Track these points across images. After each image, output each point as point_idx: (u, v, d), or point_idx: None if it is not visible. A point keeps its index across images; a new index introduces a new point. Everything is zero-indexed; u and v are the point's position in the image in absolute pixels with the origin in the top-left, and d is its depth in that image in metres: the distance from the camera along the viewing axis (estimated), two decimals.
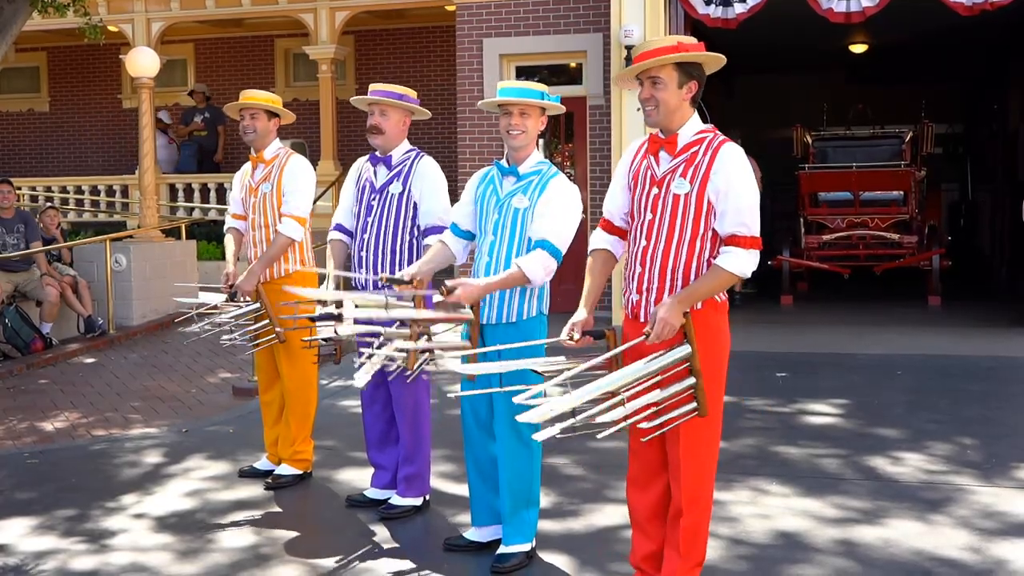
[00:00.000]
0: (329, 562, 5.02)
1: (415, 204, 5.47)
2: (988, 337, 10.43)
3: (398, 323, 4.55)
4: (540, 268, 4.64)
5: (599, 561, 4.89)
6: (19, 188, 12.64)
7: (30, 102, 19.59)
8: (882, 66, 16.96)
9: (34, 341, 10.41)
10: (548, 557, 4.95)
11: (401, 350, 4.43)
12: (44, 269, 10.91)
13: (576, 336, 4.10)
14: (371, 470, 5.94)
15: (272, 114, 6.26)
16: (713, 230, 3.93)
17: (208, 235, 15.03)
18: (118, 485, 6.40)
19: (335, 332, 4.92)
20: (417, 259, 5.46)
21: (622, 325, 4.24)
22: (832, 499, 5.67)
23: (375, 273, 5.50)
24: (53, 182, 17.17)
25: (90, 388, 9.26)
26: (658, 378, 3.85)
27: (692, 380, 3.88)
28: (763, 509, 5.57)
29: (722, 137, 3.99)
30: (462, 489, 5.55)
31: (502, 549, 4.85)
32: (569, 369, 3.97)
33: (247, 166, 6.40)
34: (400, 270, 5.41)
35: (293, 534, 5.45)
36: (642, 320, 4.06)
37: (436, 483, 5.82)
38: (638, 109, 4.04)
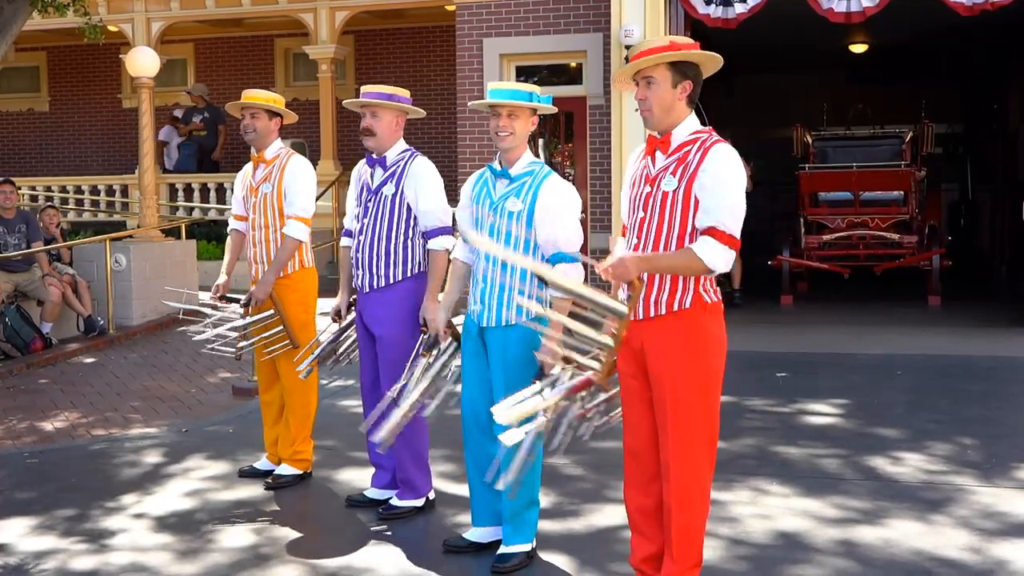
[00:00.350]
0: (329, 562, 5.02)
1: (408, 206, 5.46)
2: (988, 337, 10.43)
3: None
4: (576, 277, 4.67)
5: (599, 561, 4.89)
6: (19, 188, 12.62)
7: (30, 102, 19.59)
8: (882, 66, 16.96)
9: (34, 341, 10.41)
10: (548, 557, 4.95)
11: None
12: (46, 269, 10.91)
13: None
14: (371, 470, 5.94)
15: (273, 114, 6.25)
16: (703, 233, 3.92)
17: (208, 235, 15.02)
18: (118, 485, 6.40)
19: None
20: (412, 261, 5.46)
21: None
22: (832, 499, 5.67)
23: (371, 275, 5.51)
24: (53, 182, 17.17)
25: (90, 388, 9.26)
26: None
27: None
28: (763, 509, 5.57)
29: (716, 137, 3.99)
30: (462, 489, 5.55)
31: (503, 549, 4.85)
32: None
33: (248, 166, 6.40)
34: (393, 272, 5.44)
35: (293, 534, 5.45)
36: (632, 319, 4.07)
37: (436, 483, 5.81)
38: (636, 109, 4.03)
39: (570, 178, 12.45)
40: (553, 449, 4.32)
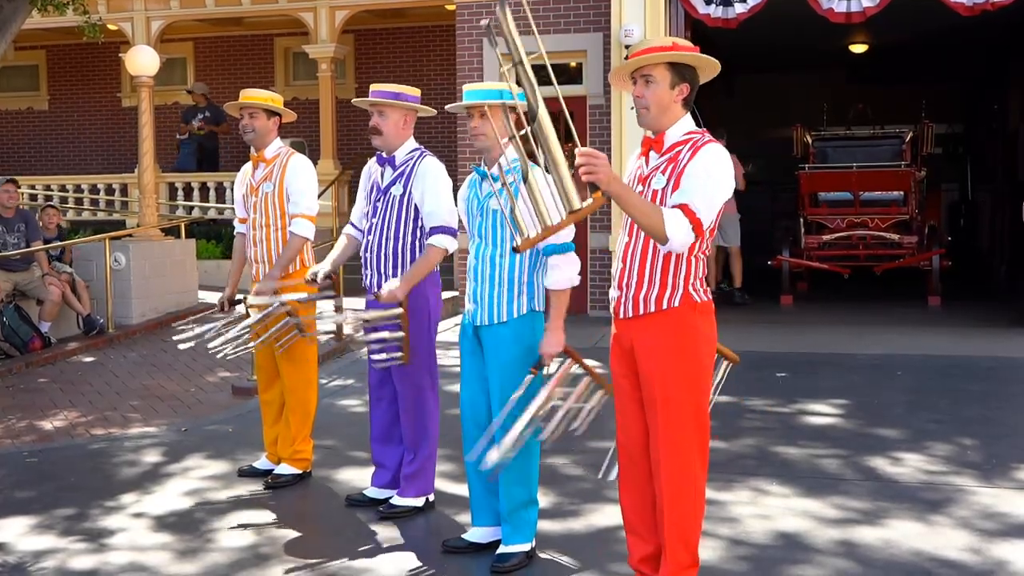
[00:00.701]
0: (329, 562, 5.01)
1: (416, 206, 5.45)
2: (988, 337, 10.43)
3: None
4: (565, 274, 4.66)
5: (599, 561, 4.89)
6: (19, 187, 12.61)
7: (29, 100, 19.58)
8: (882, 66, 16.96)
9: (33, 340, 10.40)
10: (548, 557, 4.95)
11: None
12: (45, 269, 10.90)
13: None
14: (371, 469, 5.93)
15: (272, 113, 6.24)
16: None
17: (208, 234, 15.02)
18: (117, 484, 6.39)
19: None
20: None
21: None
22: (832, 499, 5.67)
23: (379, 275, 5.51)
24: (52, 180, 17.16)
25: (89, 387, 9.25)
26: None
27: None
28: (763, 509, 5.57)
29: (708, 138, 4.00)
30: (462, 489, 5.54)
31: (502, 549, 4.85)
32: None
33: (248, 166, 6.39)
34: (401, 272, 5.43)
35: (292, 534, 5.44)
36: (620, 317, 4.06)
37: (436, 483, 5.80)
38: (631, 108, 4.03)
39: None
40: (549, 435, 4.32)
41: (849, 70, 17.81)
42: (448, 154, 14.60)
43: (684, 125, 4.02)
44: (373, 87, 5.60)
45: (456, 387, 5.17)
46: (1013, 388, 8.48)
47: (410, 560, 5.01)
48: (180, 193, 16.07)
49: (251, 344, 6.13)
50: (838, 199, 13.64)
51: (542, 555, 4.95)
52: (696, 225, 3.81)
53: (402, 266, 5.47)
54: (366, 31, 17.07)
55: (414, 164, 5.48)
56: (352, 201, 5.71)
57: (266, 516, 5.72)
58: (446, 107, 5.40)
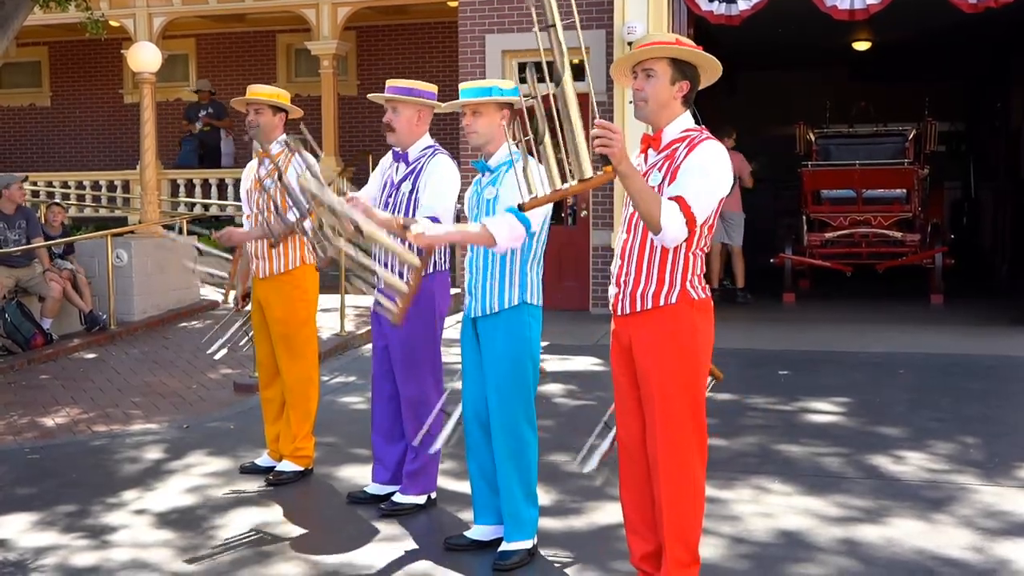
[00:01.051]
0: (330, 559, 5.01)
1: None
2: (990, 336, 10.41)
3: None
4: (506, 229, 4.54)
5: (600, 559, 4.89)
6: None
7: (31, 97, 19.58)
8: (885, 63, 16.94)
9: (34, 336, 10.40)
10: (550, 555, 4.95)
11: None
12: (46, 265, 10.90)
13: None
14: (372, 466, 5.94)
15: (277, 109, 6.23)
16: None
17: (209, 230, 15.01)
18: (119, 481, 6.39)
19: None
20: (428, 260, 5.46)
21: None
22: (834, 498, 5.66)
23: (387, 269, 5.51)
24: (54, 177, 17.18)
25: (91, 384, 9.25)
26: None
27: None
28: (765, 508, 5.56)
29: (706, 136, 3.98)
30: (464, 487, 5.54)
31: (504, 547, 4.85)
32: None
33: (253, 162, 6.40)
34: (405, 271, 5.42)
35: (294, 531, 5.44)
36: (619, 314, 4.06)
37: (439, 480, 5.80)
38: (631, 102, 4.02)
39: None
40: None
41: (852, 67, 17.79)
42: (450, 152, 14.61)
43: (682, 123, 4.01)
44: (389, 83, 5.57)
45: (459, 384, 5.17)
46: (1015, 386, 8.48)
47: (412, 557, 5.01)
48: (182, 190, 16.07)
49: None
50: (841, 197, 13.63)
51: (544, 553, 4.95)
52: (690, 220, 3.80)
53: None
54: (368, 28, 17.06)
55: (425, 161, 5.46)
56: None
57: (268, 513, 5.71)
58: (442, 106, 5.40)
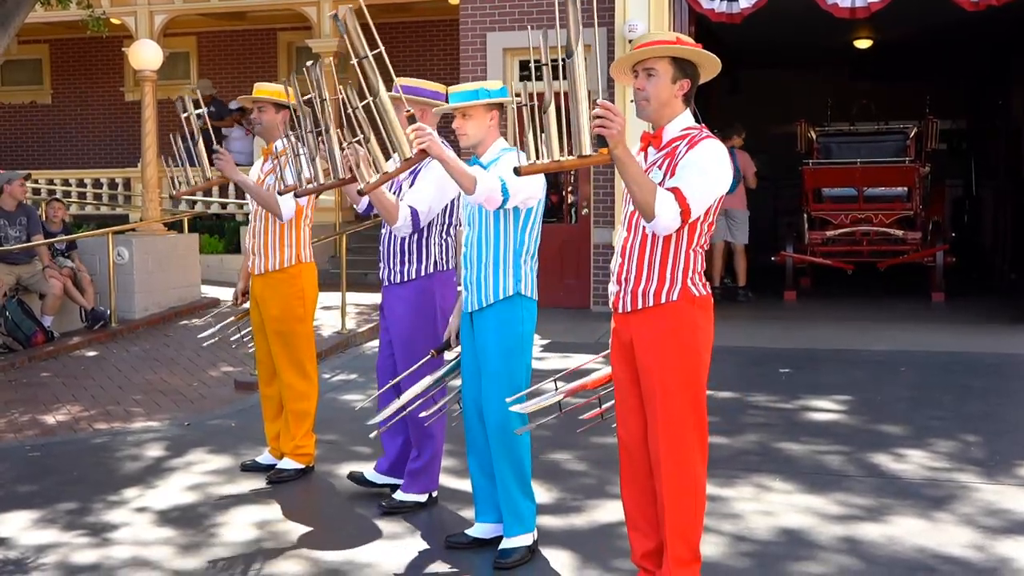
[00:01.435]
0: (331, 557, 5.01)
1: None
2: (991, 333, 10.41)
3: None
4: (487, 183, 4.56)
5: (601, 557, 4.89)
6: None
7: (32, 94, 19.58)
8: (886, 62, 16.92)
9: (35, 334, 10.41)
10: (550, 552, 4.95)
11: None
12: (46, 262, 10.91)
13: None
14: (373, 464, 5.94)
15: (281, 107, 6.22)
16: (688, 224, 3.91)
17: (211, 228, 15.02)
18: (120, 479, 6.39)
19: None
20: (427, 259, 5.45)
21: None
22: (835, 496, 5.66)
23: (389, 269, 5.52)
24: (55, 175, 17.17)
25: (92, 381, 9.26)
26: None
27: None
28: (766, 506, 5.56)
29: (707, 134, 4.00)
30: (466, 484, 5.54)
31: (504, 544, 4.85)
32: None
33: (259, 159, 6.43)
34: (407, 269, 5.44)
35: (295, 529, 5.44)
36: (620, 312, 4.06)
37: (440, 478, 5.79)
38: (632, 100, 4.03)
39: (572, 173, 12.44)
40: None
41: (853, 66, 17.77)
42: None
43: (683, 121, 4.02)
44: (398, 81, 5.55)
45: (459, 382, 5.17)
46: (1016, 384, 8.47)
47: (413, 555, 5.01)
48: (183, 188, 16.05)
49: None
50: (842, 195, 13.62)
51: (544, 550, 4.95)
52: (684, 211, 3.80)
53: (408, 263, 5.46)
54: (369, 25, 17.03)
55: (428, 160, 5.44)
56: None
57: (269, 511, 5.71)
58: (434, 111, 5.39)
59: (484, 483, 5.00)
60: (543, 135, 3.63)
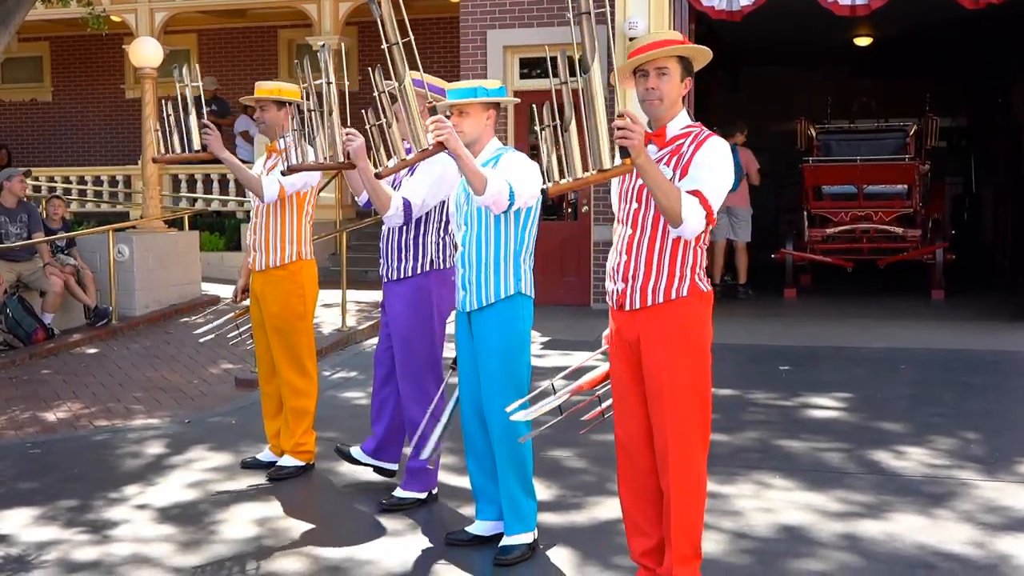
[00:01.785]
0: (331, 554, 5.02)
1: None
2: (991, 331, 10.41)
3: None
4: (497, 186, 4.58)
5: (601, 554, 4.89)
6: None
7: (33, 92, 19.58)
8: (886, 59, 16.92)
9: (36, 331, 10.41)
10: (550, 550, 4.95)
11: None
12: (47, 259, 10.91)
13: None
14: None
15: (283, 104, 6.22)
16: None
17: (211, 226, 15.02)
18: (120, 476, 6.40)
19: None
20: (424, 257, 5.45)
21: (609, 315, 4.23)
22: (835, 493, 5.67)
23: (388, 266, 5.53)
24: (56, 172, 17.17)
25: (92, 378, 9.26)
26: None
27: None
28: (766, 503, 5.57)
29: (708, 132, 4.06)
30: (465, 481, 5.54)
31: (505, 541, 4.85)
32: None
33: (262, 157, 6.44)
34: (404, 266, 5.44)
35: (295, 526, 5.45)
36: (627, 309, 4.06)
37: (440, 475, 5.80)
38: (644, 100, 4.03)
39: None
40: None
41: (853, 63, 17.77)
42: None
43: (683, 118, 4.08)
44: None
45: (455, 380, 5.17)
46: (1016, 382, 8.48)
47: (413, 552, 5.01)
48: (183, 185, 16.07)
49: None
50: (842, 192, 13.61)
51: (544, 548, 4.96)
52: (709, 213, 3.88)
53: (405, 260, 5.46)
54: (370, 23, 17.01)
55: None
56: (352, 196, 5.75)
57: (269, 508, 5.72)
58: (429, 108, 5.39)
59: (483, 482, 5.00)
60: (565, 153, 3.66)
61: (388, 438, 5.81)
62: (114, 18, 15.73)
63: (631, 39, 11.01)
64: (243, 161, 15.04)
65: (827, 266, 13.60)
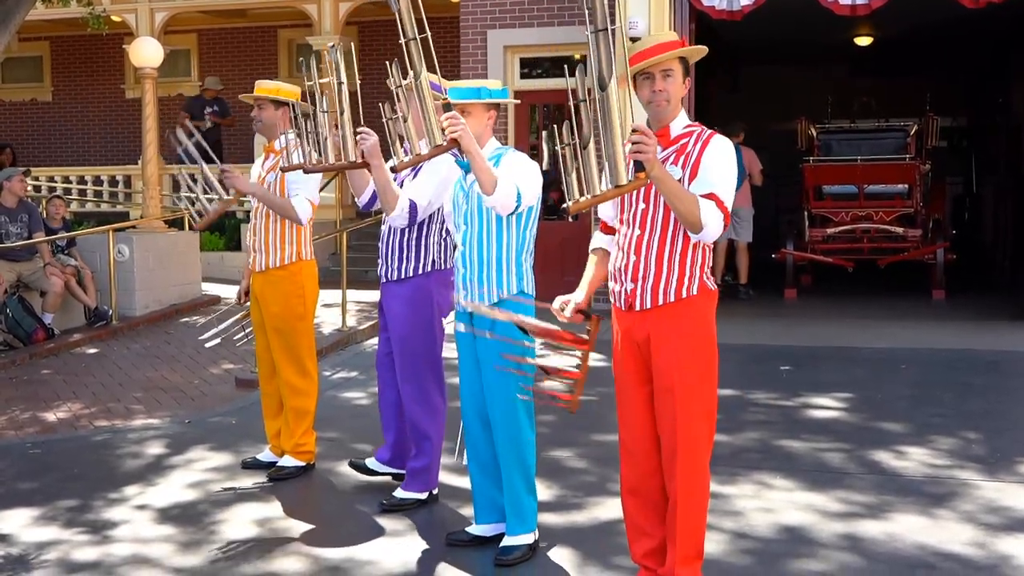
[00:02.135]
0: (332, 554, 5.01)
1: None
2: (992, 331, 10.41)
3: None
4: (507, 189, 4.58)
5: (602, 554, 4.89)
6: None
7: (33, 91, 19.58)
8: (887, 58, 16.91)
9: (36, 331, 10.41)
10: (551, 550, 4.95)
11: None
12: (47, 259, 10.91)
13: (568, 313, 4.15)
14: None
15: (280, 104, 6.21)
16: None
17: (211, 226, 14.99)
18: (120, 476, 6.40)
19: None
20: (425, 258, 5.44)
21: (612, 316, 4.22)
22: (836, 493, 5.66)
23: (387, 266, 5.52)
24: (56, 172, 17.17)
25: (92, 378, 9.26)
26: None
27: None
28: (767, 503, 5.56)
29: (710, 131, 4.09)
30: (466, 482, 5.53)
31: (506, 541, 4.85)
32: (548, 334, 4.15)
33: (259, 157, 6.42)
34: (405, 267, 5.43)
35: (295, 526, 5.44)
36: (637, 309, 4.06)
37: (440, 475, 5.79)
38: (650, 102, 4.04)
39: None
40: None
41: (853, 63, 17.76)
42: None
43: (684, 117, 4.12)
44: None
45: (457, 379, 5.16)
46: (1016, 382, 8.47)
47: (413, 552, 5.01)
48: (183, 185, 16.04)
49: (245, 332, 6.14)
50: (842, 192, 13.60)
51: (545, 548, 4.95)
52: (726, 216, 3.92)
53: (406, 260, 5.45)
54: (370, 22, 17.04)
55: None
56: (352, 196, 5.71)
57: (269, 508, 5.71)
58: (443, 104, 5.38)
59: (485, 485, 4.99)
60: (584, 171, 3.66)
61: (401, 443, 5.80)
62: (114, 18, 15.73)
63: (631, 40, 11.02)
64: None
65: (828, 266, 13.59)
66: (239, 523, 5.48)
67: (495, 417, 4.81)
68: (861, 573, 4.66)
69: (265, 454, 6.48)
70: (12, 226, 10.76)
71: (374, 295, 5.70)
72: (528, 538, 4.86)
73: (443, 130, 4.40)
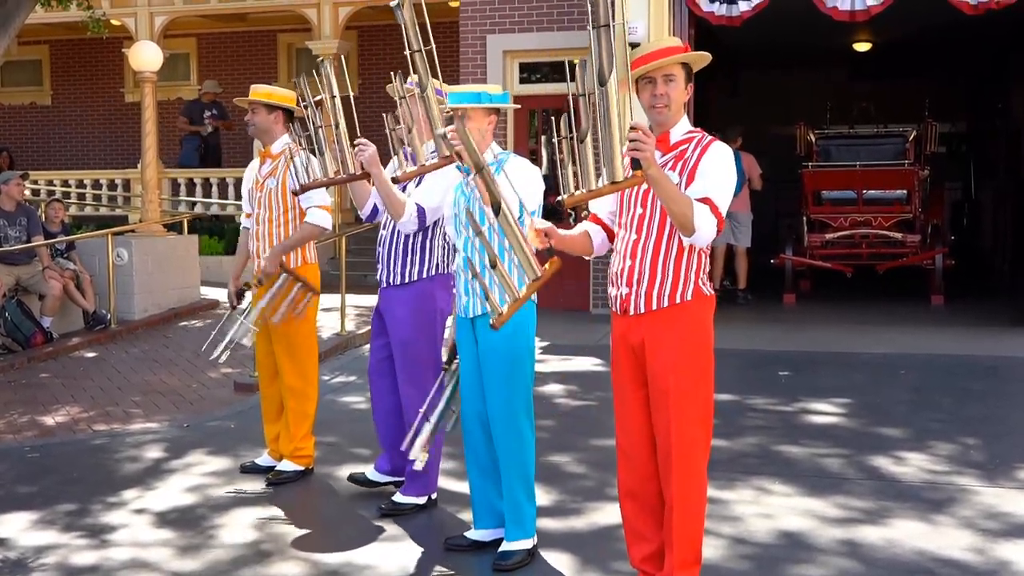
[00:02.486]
0: (330, 559, 5.01)
1: None
2: (991, 336, 10.40)
3: None
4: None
5: (601, 559, 4.88)
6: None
7: (32, 95, 19.58)
8: (886, 64, 16.93)
9: (34, 335, 10.40)
10: (550, 555, 4.94)
11: None
12: (46, 263, 10.90)
13: (538, 225, 4.01)
14: (371, 466, 5.95)
15: (273, 108, 6.21)
16: None
17: (210, 230, 15.02)
18: (119, 480, 6.39)
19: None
20: (429, 262, 5.44)
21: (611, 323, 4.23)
22: (835, 499, 5.66)
23: (389, 271, 5.51)
24: (55, 176, 17.17)
25: (91, 382, 9.25)
26: None
27: None
28: (765, 508, 5.56)
29: (711, 137, 4.09)
30: (465, 486, 5.52)
31: (504, 546, 4.84)
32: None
33: (256, 161, 6.40)
34: (409, 271, 5.43)
35: (294, 530, 5.44)
36: (632, 313, 4.06)
37: (439, 480, 5.79)
38: (653, 106, 4.04)
39: None
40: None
41: (852, 68, 17.78)
42: None
43: (685, 124, 4.12)
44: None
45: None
46: (1016, 387, 8.47)
47: (412, 557, 5.00)
48: (183, 189, 16.07)
49: (275, 317, 6.08)
50: (841, 197, 13.60)
51: (544, 553, 4.95)
52: (719, 221, 3.92)
53: (410, 264, 5.45)
54: (369, 27, 17.05)
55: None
56: (351, 201, 5.69)
57: (268, 513, 5.71)
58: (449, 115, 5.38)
59: (484, 490, 4.99)
60: (580, 165, 3.66)
61: (401, 452, 5.78)
62: (114, 22, 15.73)
63: (631, 44, 11.03)
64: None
65: (826, 271, 13.59)
66: (238, 527, 5.47)
67: (496, 422, 4.81)
68: None
69: (264, 458, 6.47)
70: (11, 230, 10.75)
71: (373, 300, 5.69)
72: (527, 543, 4.86)
73: (445, 137, 4.43)
